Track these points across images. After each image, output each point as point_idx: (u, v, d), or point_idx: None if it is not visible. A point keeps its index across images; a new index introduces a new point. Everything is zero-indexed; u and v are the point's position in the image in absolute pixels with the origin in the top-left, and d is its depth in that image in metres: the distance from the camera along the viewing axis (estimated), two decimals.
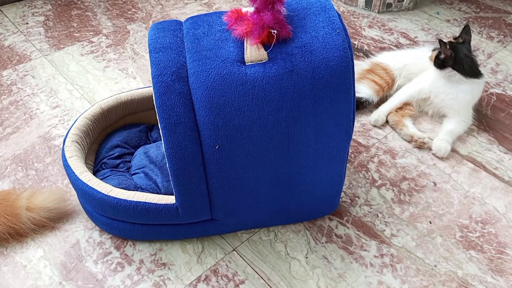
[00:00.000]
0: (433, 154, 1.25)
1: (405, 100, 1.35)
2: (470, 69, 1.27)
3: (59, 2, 1.93)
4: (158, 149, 1.12)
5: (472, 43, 1.71)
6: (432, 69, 1.31)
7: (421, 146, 1.27)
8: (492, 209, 1.12)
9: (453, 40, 1.30)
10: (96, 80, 1.50)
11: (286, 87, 0.80)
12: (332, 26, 0.83)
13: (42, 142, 1.28)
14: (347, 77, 0.82)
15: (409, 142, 1.29)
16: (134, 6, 1.91)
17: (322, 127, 0.86)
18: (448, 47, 1.25)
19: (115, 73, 1.53)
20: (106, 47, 1.66)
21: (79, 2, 1.93)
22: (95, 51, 1.64)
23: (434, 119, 1.38)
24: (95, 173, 1.09)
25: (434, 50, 1.30)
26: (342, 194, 1.15)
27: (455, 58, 1.25)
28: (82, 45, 1.67)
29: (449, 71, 1.27)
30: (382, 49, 1.67)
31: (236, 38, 0.83)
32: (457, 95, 1.29)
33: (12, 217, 0.99)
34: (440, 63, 1.27)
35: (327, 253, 1.02)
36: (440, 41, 1.25)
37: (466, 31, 1.30)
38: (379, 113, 1.34)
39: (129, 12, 1.87)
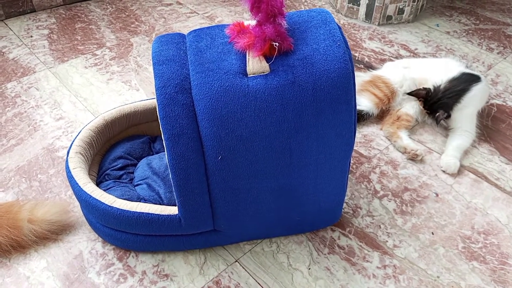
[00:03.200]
0: (443, 171, 1.25)
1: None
2: (455, 98, 1.30)
3: (63, 15, 1.96)
4: (161, 160, 1.13)
5: (472, 54, 1.73)
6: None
7: (414, 158, 1.27)
8: (495, 220, 1.12)
9: (425, 100, 1.34)
10: (99, 92, 1.51)
11: (287, 99, 0.81)
12: (333, 39, 0.84)
13: (45, 153, 1.28)
14: (348, 89, 0.83)
15: (403, 153, 1.30)
16: (137, 20, 1.94)
17: (324, 138, 0.86)
18: (441, 112, 1.30)
19: (119, 85, 1.55)
20: (110, 59, 1.68)
21: (83, 16, 1.96)
22: (98, 63, 1.66)
23: (435, 130, 1.38)
24: (98, 184, 1.09)
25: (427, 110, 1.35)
26: (344, 205, 1.15)
27: (444, 107, 1.30)
28: (86, 57, 1.69)
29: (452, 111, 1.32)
30: (383, 61, 1.68)
31: (238, 50, 0.84)
32: (457, 109, 1.31)
33: (14, 229, 0.99)
34: (447, 116, 1.32)
35: (329, 264, 1.01)
36: (437, 116, 1.30)
37: (412, 94, 1.35)
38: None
39: (132, 25, 1.89)
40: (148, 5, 2.06)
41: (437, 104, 1.31)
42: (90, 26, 1.88)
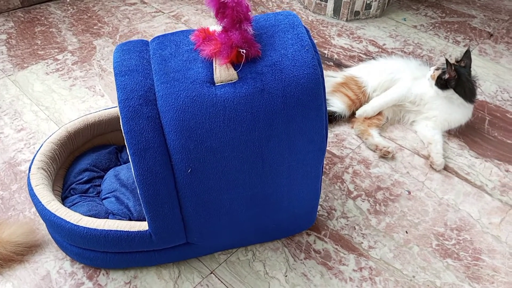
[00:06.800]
0: (434, 169, 1.25)
1: (397, 99, 1.35)
2: (470, 94, 1.29)
3: (22, 18, 1.87)
4: (129, 171, 1.09)
5: (439, 48, 1.75)
6: (432, 88, 1.31)
7: (385, 155, 1.27)
8: (466, 215, 1.13)
9: (455, 63, 1.30)
10: (62, 99, 1.45)
11: (257, 107, 0.79)
12: (301, 43, 0.83)
13: (7, 168, 1.22)
14: (318, 94, 0.82)
15: (374, 151, 1.30)
16: (100, 21, 1.87)
17: (296, 145, 0.85)
18: (453, 68, 1.25)
19: (82, 91, 1.49)
20: (72, 64, 1.61)
21: (42, 18, 1.87)
22: (60, 69, 1.59)
23: (406, 127, 1.39)
24: (63, 199, 1.05)
25: (437, 69, 1.30)
26: (319, 207, 1.14)
27: (458, 81, 1.27)
28: (47, 63, 1.62)
29: (450, 93, 1.29)
30: (352, 57, 1.68)
31: (204, 58, 0.81)
32: (452, 114, 1.32)
33: None
34: (443, 83, 1.28)
35: (306, 270, 1.00)
36: (447, 61, 1.26)
37: (468, 55, 1.31)
38: (369, 108, 1.35)
39: (95, 27, 1.83)
40: (111, 5, 1.99)
41: (460, 73, 1.27)
42: (51, 29, 1.80)
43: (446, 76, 1.26)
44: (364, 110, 1.34)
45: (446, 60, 1.26)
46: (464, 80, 1.27)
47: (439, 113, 1.32)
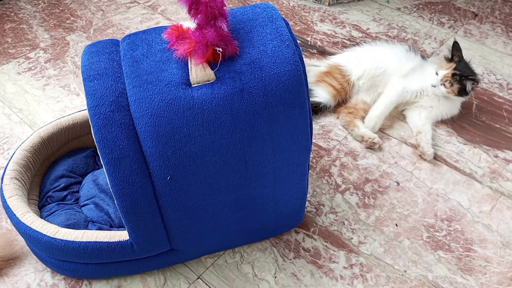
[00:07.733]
0: (424, 159, 1.22)
1: (395, 103, 1.30)
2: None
3: None
4: None
5: (424, 30, 1.71)
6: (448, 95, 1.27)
7: (371, 146, 1.24)
8: (456, 205, 1.11)
9: (454, 68, 1.26)
10: (36, 100, 1.39)
11: (237, 108, 0.75)
12: (281, 38, 0.78)
13: None
14: (301, 92, 0.78)
15: (360, 142, 1.26)
16: (73, 14, 1.79)
17: (279, 145, 0.81)
18: (474, 81, 1.23)
19: (57, 91, 1.42)
20: (45, 62, 1.54)
21: (12, 14, 1.79)
22: (33, 68, 1.52)
23: (392, 115, 1.36)
24: (40, 208, 1.00)
25: (449, 83, 1.24)
26: (307, 203, 1.11)
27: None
28: (19, 62, 1.54)
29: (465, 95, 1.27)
30: (335, 44, 1.63)
31: (178, 58, 0.76)
32: (451, 108, 1.31)
33: None
34: (467, 93, 1.26)
35: (296, 270, 0.98)
36: (468, 78, 1.23)
37: (456, 47, 1.28)
38: (374, 120, 1.28)
39: (67, 22, 1.75)
40: None
41: (471, 73, 1.26)
42: (21, 26, 1.72)
43: (471, 87, 1.25)
44: (372, 127, 1.27)
45: (467, 77, 1.23)
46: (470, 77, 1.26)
47: (437, 105, 1.29)
